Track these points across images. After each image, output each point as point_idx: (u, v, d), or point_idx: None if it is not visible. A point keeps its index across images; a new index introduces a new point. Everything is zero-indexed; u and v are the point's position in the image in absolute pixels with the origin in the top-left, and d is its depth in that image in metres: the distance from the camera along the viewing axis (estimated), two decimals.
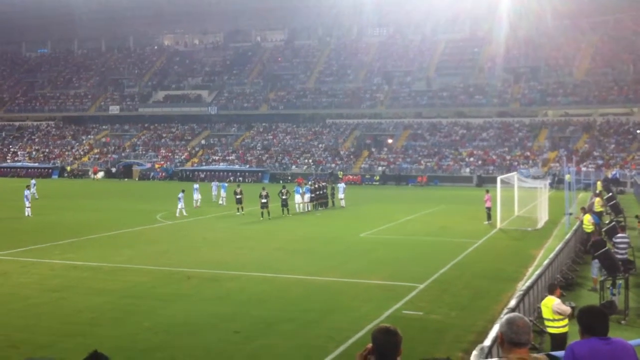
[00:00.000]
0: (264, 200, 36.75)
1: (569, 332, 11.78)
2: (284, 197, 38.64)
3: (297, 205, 40.67)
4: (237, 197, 39.14)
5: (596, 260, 18.02)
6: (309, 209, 41.47)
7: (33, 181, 51.10)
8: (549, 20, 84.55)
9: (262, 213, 36.72)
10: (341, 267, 22.03)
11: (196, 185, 45.20)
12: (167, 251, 25.37)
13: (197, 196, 43.45)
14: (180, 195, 38.41)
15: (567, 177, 41.15)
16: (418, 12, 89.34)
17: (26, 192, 38.23)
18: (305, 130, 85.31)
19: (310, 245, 27.23)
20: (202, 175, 74.42)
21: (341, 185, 45.59)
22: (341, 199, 44.04)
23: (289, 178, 68.16)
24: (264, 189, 38.43)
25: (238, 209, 38.91)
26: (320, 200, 42.88)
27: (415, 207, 43.30)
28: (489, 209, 33.90)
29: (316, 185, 43.47)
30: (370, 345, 4.56)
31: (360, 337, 13.55)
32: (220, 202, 45.83)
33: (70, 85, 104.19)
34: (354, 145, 79.94)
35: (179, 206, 38.15)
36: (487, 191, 35.32)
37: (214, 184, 49.93)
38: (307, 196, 41.56)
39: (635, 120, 72.53)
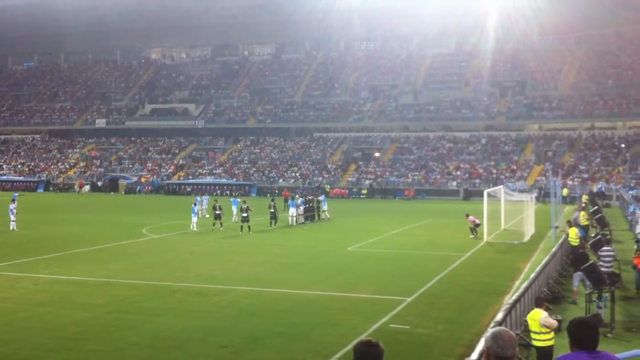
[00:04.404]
0: (244, 214, 36.29)
1: (554, 345, 11.83)
2: (271, 210, 38.54)
3: (289, 218, 40.73)
4: (217, 212, 38.15)
5: (578, 273, 18.14)
6: (302, 221, 41.67)
7: (15, 194, 50.63)
8: (534, 35, 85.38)
9: (241, 227, 36.25)
10: (329, 281, 22.00)
11: (236, 200, 43.14)
12: (154, 265, 25.24)
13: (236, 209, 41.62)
14: (194, 207, 38.18)
15: (564, 191, 41.36)
16: (405, 27, 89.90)
17: (11, 206, 37.94)
18: (293, 143, 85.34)
19: (298, 258, 27.18)
20: (189, 189, 74.32)
21: (322, 198, 46.14)
22: (324, 211, 44.34)
23: (276, 192, 68.07)
24: (244, 202, 38.00)
25: (214, 223, 37.87)
26: (308, 213, 43.02)
27: (402, 220, 43.35)
28: (478, 225, 33.63)
29: (306, 198, 43.91)
30: None
31: (347, 350, 13.51)
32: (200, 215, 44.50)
33: (57, 99, 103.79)
34: (341, 158, 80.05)
35: (194, 220, 37.73)
36: (468, 215, 34.94)
37: (205, 198, 49.40)
38: (302, 209, 41.73)
39: (620, 135, 73.14)
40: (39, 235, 35.48)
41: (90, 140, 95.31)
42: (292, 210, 40.98)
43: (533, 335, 12.05)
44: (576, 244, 24.05)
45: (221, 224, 37.96)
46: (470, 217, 34.21)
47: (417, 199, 67.17)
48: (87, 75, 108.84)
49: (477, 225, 33.60)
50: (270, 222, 38.46)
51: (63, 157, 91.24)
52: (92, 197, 71.22)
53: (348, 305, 18.20)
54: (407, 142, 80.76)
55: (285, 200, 47.67)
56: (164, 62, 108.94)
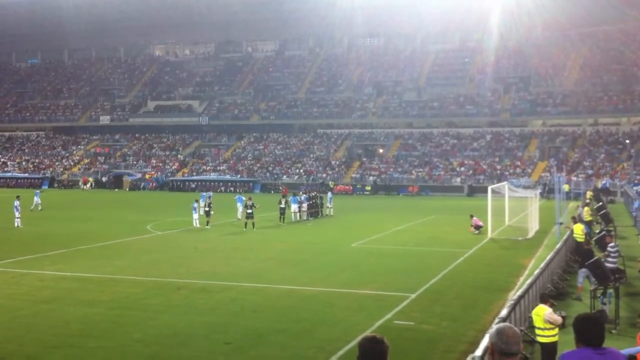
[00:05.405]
0: (249, 211, 36.35)
1: (559, 342, 11.81)
2: (282, 206, 38.90)
3: (292, 215, 40.92)
4: (206, 210, 38.02)
5: (582, 269, 18.07)
6: (306, 217, 41.86)
7: (37, 191, 51.71)
8: (538, 31, 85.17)
9: (245, 224, 36.31)
10: (333, 278, 21.99)
11: (241, 197, 42.48)
12: (158, 262, 25.25)
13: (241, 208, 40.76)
14: (195, 205, 38.13)
15: (565, 187, 41.35)
16: (408, 23, 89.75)
17: (16, 203, 37.99)
18: (297, 140, 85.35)
19: (301, 255, 27.18)
20: (193, 186, 74.36)
21: (329, 195, 46.46)
22: (329, 208, 44.67)
23: (280, 188, 68.11)
24: (250, 199, 38.19)
25: (207, 222, 37.42)
26: (313, 209, 43.09)
27: (406, 217, 43.34)
28: (480, 226, 33.51)
29: (310, 195, 44.09)
30: None
31: (351, 347, 13.50)
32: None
33: (61, 96, 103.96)
34: (345, 155, 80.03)
35: (195, 216, 37.61)
36: (472, 216, 34.92)
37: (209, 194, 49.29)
38: (305, 205, 41.85)
39: (624, 130, 72.97)
40: (43, 232, 35.55)
41: (94, 137, 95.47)
42: (295, 207, 41.17)
43: (537, 332, 12.03)
44: (581, 240, 23.97)
45: (208, 222, 37.49)
46: (474, 219, 34.07)
47: (421, 195, 67.12)
48: (90, 72, 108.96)
49: (480, 227, 33.46)
50: (280, 217, 39.18)
51: (67, 154, 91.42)
52: (96, 194, 71.28)
53: (352, 302, 18.18)
54: (411, 138, 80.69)
55: (285, 197, 47.70)
56: (168, 59, 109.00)
